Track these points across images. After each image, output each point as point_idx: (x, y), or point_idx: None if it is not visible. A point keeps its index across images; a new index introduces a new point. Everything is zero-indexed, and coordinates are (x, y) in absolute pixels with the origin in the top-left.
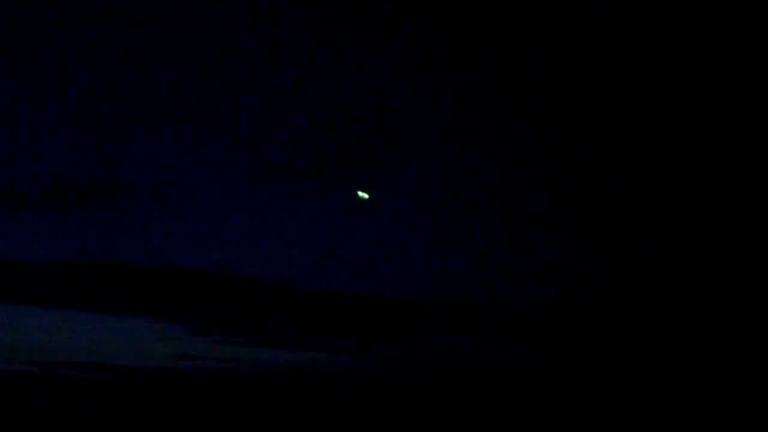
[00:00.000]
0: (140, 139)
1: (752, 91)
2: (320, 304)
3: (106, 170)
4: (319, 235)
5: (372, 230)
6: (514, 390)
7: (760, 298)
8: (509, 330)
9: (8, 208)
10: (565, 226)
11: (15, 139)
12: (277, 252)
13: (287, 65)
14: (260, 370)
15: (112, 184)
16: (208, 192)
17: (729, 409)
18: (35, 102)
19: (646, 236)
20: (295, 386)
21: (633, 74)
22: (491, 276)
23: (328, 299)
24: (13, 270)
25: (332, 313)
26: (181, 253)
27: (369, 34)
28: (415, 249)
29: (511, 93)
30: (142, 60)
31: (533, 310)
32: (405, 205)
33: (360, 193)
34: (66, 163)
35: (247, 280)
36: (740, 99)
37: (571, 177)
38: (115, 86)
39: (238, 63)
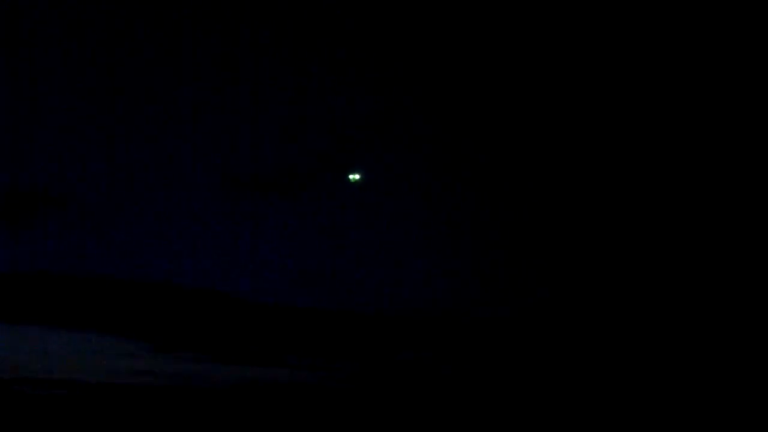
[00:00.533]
0: (103, 148)
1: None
2: (284, 319)
3: (65, 180)
4: (283, 249)
5: (338, 245)
6: (482, 402)
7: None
8: (475, 342)
9: None
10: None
11: None
12: (240, 266)
13: (257, 76)
14: (222, 387)
15: (69, 194)
16: (170, 204)
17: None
18: None
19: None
20: (258, 403)
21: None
22: (458, 289)
23: (291, 314)
24: None
25: (296, 328)
26: (142, 266)
27: (341, 47)
28: (382, 263)
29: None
30: (102, 65)
31: (501, 321)
32: (372, 219)
33: (351, 176)
34: (23, 172)
35: (210, 295)
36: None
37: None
38: (71, 92)
39: (205, 72)
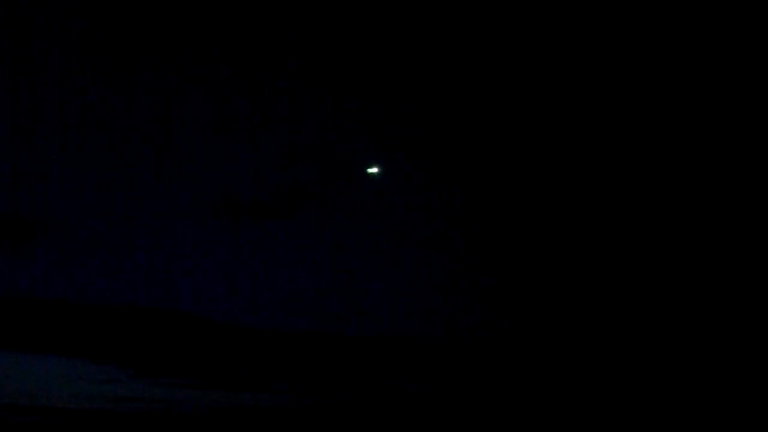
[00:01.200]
0: (78, 171)
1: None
2: (268, 343)
3: (45, 205)
4: (265, 274)
5: (321, 269)
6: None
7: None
8: (460, 367)
9: None
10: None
11: None
12: (224, 290)
13: (237, 100)
14: (206, 413)
15: (51, 219)
16: (152, 228)
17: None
18: None
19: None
20: (241, 429)
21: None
22: (445, 314)
23: (275, 339)
24: None
25: (281, 353)
26: (122, 291)
27: (324, 75)
28: (364, 288)
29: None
30: (81, 85)
31: (485, 347)
32: (355, 244)
33: (370, 170)
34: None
35: (191, 320)
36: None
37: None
38: (50, 112)
39: (187, 96)
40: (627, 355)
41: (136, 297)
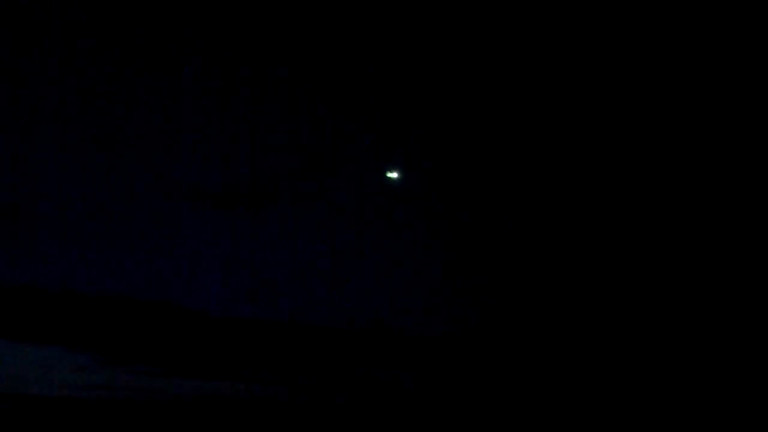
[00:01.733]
0: (46, 156)
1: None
2: (241, 332)
3: (18, 190)
4: (236, 262)
5: (292, 258)
6: (444, 417)
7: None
8: (430, 358)
9: None
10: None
11: None
12: (197, 279)
13: (209, 87)
14: (174, 401)
15: (23, 204)
16: (125, 215)
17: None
18: None
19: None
20: (212, 417)
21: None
22: (412, 304)
23: (249, 328)
24: None
25: (254, 342)
26: (92, 278)
27: (298, 65)
28: (335, 277)
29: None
30: (53, 70)
31: (457, 338)
32: (324, 233)
33: (389, 174)
34: None
35: (162, 308)
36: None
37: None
38: (33, 98)
39: (159, 81)
40: (611, 350)
41: (112, 285)
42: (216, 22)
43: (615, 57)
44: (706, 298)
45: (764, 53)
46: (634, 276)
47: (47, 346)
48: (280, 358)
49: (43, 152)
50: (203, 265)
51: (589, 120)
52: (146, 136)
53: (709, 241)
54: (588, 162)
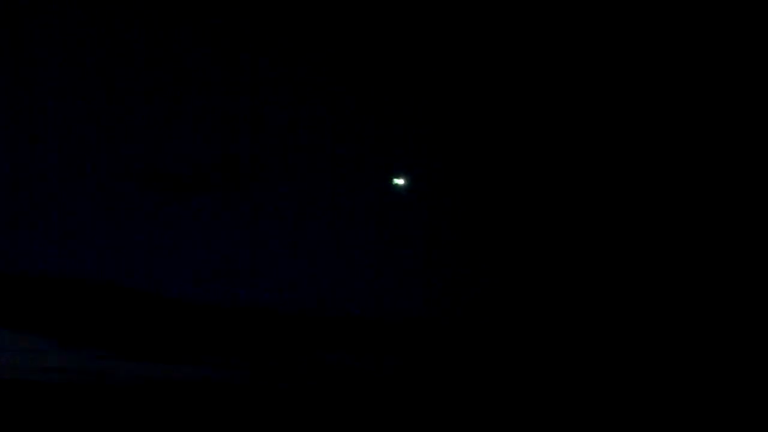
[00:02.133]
0: (4, 138)
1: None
2: (197, 316)
3: None
4: (200, 246)
5: (257, 243)
6: (398, 403)
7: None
8: (395, 342)
9: None
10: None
11: None
12: (154, 262)
13: (174, 72)
14: (135, 385)
15: None
16: (86, 197)
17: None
18: None
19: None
20: (172, 401)
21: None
22: (378, 289)
23: (204, 311)
24: None
25: (210, 326)
26: (51, 261)
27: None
28: (300, 262)
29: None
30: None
31: (419, 321)
32: (290, 219)
33: (396, 181)
34: None
35: (122, 291)
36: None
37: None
38: None
39: (121, 66)
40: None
41: (62, 267)
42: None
43: (615, 57)
44: (693, 293)
45: (764, 53)
46: (616, 264)
47: (4, 330)
48: (246, 343)
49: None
50: (164, 250)
51: (589, 119)
52: (112, 121)
53: (705, 239)
54: (579, 155)
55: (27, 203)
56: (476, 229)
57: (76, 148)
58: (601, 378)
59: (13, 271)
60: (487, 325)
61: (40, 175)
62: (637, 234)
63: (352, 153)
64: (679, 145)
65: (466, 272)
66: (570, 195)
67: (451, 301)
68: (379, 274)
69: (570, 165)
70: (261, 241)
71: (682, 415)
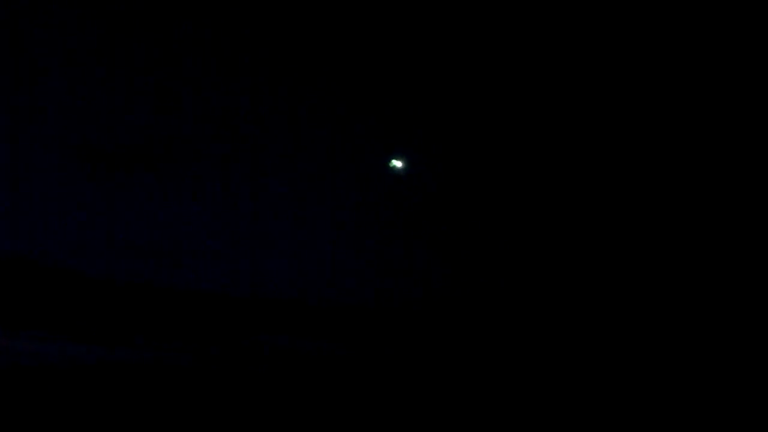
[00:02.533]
0: None
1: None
2: (136, 298)
3: None
4: (138, 226)
5: (197, 222)
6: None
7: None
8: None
9: None
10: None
11: None
12: (88, 243)
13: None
14: (72, 367)
15: None
16: (19, 171)
17: None
18: None
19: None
20: (107, 383)
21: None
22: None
23: (142, 293)
24: None
25: (148, 308)
26: None
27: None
28: (232, 244)
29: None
30: None
31: (359, 307)
32: (219, 199)
33: (393, 163)
34: None
35: (58, 272)
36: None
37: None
38: None
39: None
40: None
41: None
42: None
43: (615, 57)
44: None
45: (764, 53)
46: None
47: None
48: (175, 325)
49: None
50: (101, 229)
51: (588, 115)
52: (46, 95)
53: (705, 239)
54: (576, 149)
55: None
56: (439, 218)
57: (9, 122)
58: (585, 373)
59: None
60: (447, 316)
61: None
62: (631, 227)
63: (298, 132)
64: (679, 145)
65: (422, 261)
66: (567, 191)
67: (410, 290)
68: (334, 260)
69: (566, 159)
70: (204, 220)
71: (682, 415)
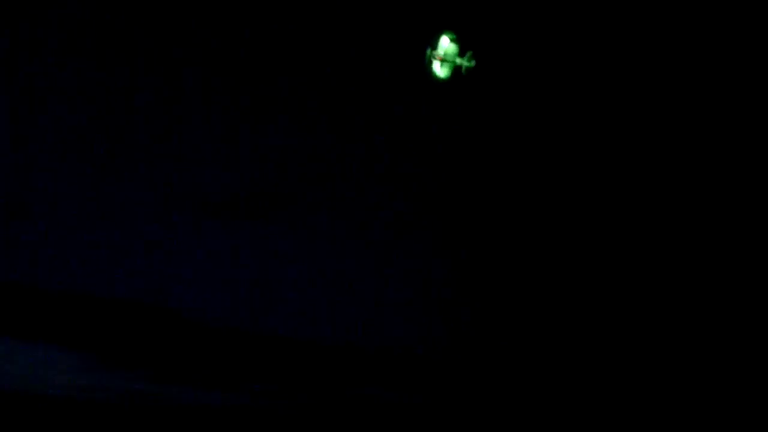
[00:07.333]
0: (48, 156)
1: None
2: (238, 343)
3: (8, 187)
4: (241, 272)
5: (296, 271)
6: None
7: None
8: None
9: None
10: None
11: None
12: (200, 288)
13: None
14: (170, 407)
15: (16, 201)
16: (134, 221)
17: None
18: None
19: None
20: (203, 425)
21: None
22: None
23: (245, 339)
24: None
25: (250, 354)
26: (96, 280)
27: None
28: (332, 291)
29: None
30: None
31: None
32: (326, 247)
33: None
34: None
35: (164, 315)
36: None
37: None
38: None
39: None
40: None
41: (114, 288)
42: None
43: (615, 57)
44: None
45: (764, 53)
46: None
47: (44, 345)
48: (283, 372)
49: (44, 152)
50: (208, 274)
51: (587, 118)
52: (151, 142)
53: (705, 239)
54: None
55: (71, 221)
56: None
57: (118, 172)
58: (598, 379)
59: (61, 290)
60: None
61: (90, 194)
62: (630, 224)
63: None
64: (679, 145)
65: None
66: (566, 193)
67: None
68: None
69: (566, 159)
70: (297, 269)
71: (682, 415)
